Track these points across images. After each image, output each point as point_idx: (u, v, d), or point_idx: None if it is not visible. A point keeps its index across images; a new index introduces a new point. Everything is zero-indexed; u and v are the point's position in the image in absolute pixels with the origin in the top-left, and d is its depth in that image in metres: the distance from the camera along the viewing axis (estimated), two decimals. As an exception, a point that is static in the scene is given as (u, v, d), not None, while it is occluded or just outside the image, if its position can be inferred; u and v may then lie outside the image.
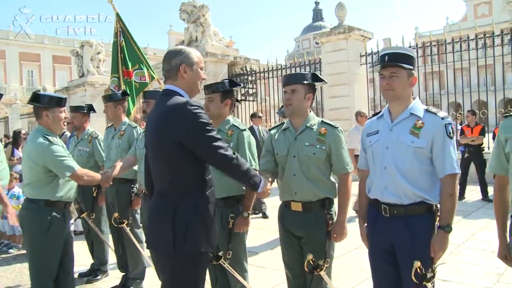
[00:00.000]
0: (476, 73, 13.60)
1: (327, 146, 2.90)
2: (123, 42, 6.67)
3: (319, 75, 3.06)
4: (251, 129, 8.30)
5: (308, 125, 2.96)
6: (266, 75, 14.55)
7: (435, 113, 2.47)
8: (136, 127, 4.62)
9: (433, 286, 2.44)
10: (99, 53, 20.48)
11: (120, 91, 5.29)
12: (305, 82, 2.93)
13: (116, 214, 4.30)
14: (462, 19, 50.29)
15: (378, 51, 12.80)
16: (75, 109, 5.01)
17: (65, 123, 3.67)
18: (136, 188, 4.47)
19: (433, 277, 2.37)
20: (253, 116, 9.05)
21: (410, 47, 11.76)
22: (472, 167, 8.92)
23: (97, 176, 3.67)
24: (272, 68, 14.50)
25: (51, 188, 3.38)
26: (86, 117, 4.99)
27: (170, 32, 50.30)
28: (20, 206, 6.08)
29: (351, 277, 4.46)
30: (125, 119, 4.76)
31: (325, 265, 2.81)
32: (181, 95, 2.43)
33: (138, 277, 4.50)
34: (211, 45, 15.20)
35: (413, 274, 2.34)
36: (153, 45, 56.82)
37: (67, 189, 3.49)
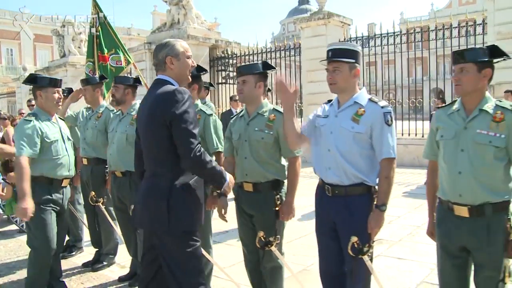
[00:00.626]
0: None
1: (275, 131, 3.11)
2: (99, 27, 6.78)
3: (269, 63, 3.29)
4: (229, 111, 8.49)
5: (260, 111, 3.19)
6: (247, 58, 14.70)
7: (376, 102, 2.70)
8: (113, 110, 4.69)
9: (371, 259, 2.69)
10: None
11: (98, 75, 5.37)
12: (255, 72, 3.17)
13: (92, 193, 4.48)
14: (447, 6, 50.70)
15: (356, 37, 13.08)
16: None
17: (59, 103, 3.82)
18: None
19: (369, 251, 2.62)
20: (231, 99, 9.30)
21: (394, 33, 12.03)
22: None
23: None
24: (253, 51, 14.66)
25: (32, 164, 3.55)
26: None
27: (154, 12, 49.82)
28: None
29: (311, 254, 4.72)
30: (102, 102, 4.89)
31: (275, 242, 3.04)
32: (172, 84, 2.57)
33: (110, 252, 4.73)
34: (192, 27, 15.23)
35: (349, 248, 2.58)
36: (137, 25, 56.07)
37: (50, 167, 3.67)
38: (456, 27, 11.34)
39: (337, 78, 2.69)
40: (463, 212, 2.40)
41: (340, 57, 2.67)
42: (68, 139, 3.92)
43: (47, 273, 3.72)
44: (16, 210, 3.48)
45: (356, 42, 12.45)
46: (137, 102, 4.45)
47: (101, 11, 6.95)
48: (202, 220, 2.65)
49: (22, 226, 6.40)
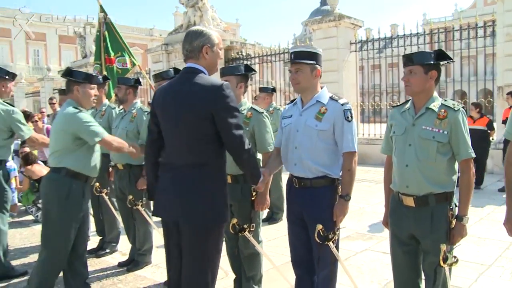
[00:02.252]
0: (484, 62, 13.62)
1: (251, 128, 3.36)
2: (106, 32, 7.16)
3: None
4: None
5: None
6: (261, 59, 15.00)
7: (337, 100, 2.93)
8: (114, 108, 5.05)
9: (336, 246, 2.93)
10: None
11: (101, 76, 5.67)
12: (237, 73, 3.44)
13: (97, 184, 4.82)
14: (471, 6, 49.87)
15: (367, 39, 13.23)
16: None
17: (95, 100, 3.81)
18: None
19: (334, 238, 2.85)
20: (255, 98, 9.57)
21: (417, 33, 12.00)
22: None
23: (125, 144, 3.76)
24: (266, 53, 14.95)
25: (74, 158, 3.46)
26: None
27: (176, 13, 50.24)
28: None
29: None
30: (105, 101, 5.22)
31: (250, 229, 3.29)
32: (204, 73, 2.59)
33: (113, 240, 5.09)
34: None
35: (315, 235, 2.82)
36: (159, 26, 56.82)
37: (90, 163, 3.57)
38: (482, 27, 11.08)
39: (299, 78, 2.93)
40: (410, 202, 2.63)
41: (302, 59, 2.91)
42: None
43: (57, 275, 3.61)
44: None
45: (379, 44, 12.64)
46: (137, 101, 4.80)
47: (107, 14, 7.32)
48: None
49: (37, 216, 6.83)
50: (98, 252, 5.02)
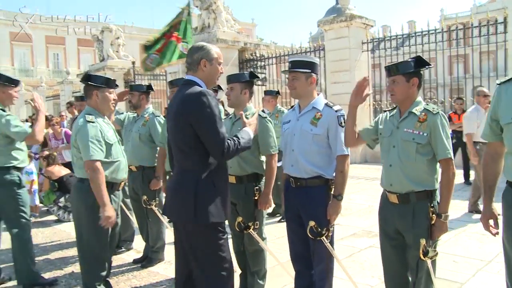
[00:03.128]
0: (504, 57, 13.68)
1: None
2: (185, 19, 8.53)
3: (255, 71, 3.75)
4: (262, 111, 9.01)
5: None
6: (274, 60, 15.20)
7: (331, 107, 3.17)
8: (159, 116, 4.96)
9: (331, 242, 3.14)
10: (118, 38, 21.37)
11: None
12: (242, 80, 3.66)
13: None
14: (490, 0, 49.01)
15: (379, 38, 13.33)
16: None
17: (114, 104, 3.79)
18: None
19: (328, 234, 3.08)
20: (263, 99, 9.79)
21: (435, 30, 12.06)
22: (460, 152, 9.40)
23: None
24: (279, 54, 15.14)
25: None
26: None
27: (193, 15, 50.91)
28: (30, 181, 7.06)
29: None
30: (148, 107, 5.04)
31: (254, 226, 3.52)
32: (199, 85, 2.75)
33: (128, 239, 5.38)
34: (222, 31, 15.81)
35: (308, 230, 3.05)
36: (175, 27, 57.32)
37: (112, 170, 3.56)
38: (502, 22, 10.83)
39: (295, 85, 3.17)
40: (394, 199, 2.83)
41: (297, 67, 3.15)
42: (120, 140, 3.86)
43: (100, 279, 3.62)
44: (102, 218, 3.33)
45: (396, 41, 12.66)
46: (150, 106, 5.03)
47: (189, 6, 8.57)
48: (228, 213, 2.87)
49: (59, 215, 7.16)
50: (115, 250, 5.29)
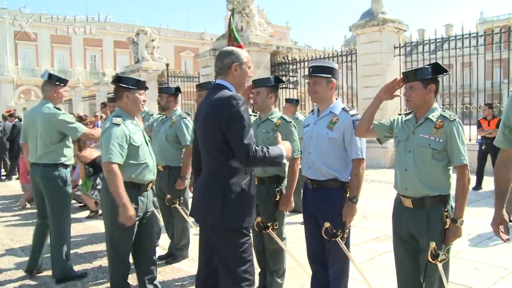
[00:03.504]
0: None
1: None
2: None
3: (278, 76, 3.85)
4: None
5: (269, 117, 3.78)
6: (306, 64, 15.21)
7: (348, 111, 3.23)
8: (186, 118, 5.08)
9: (346, 243, 3.19)
10: (153, 40, 21.86)
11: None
12: (268, 84, 3.77)
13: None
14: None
15: (411, 42, 13.21)
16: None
17: (143, 105, 3.78)
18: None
19: (343, 236, 3.14)
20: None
21: (471, 34, 11.80)
22: (490, 159, 9.23)
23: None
24: (311, 57, 15.14)
25: (122, 169, 3.42)
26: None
27: (226, 17, 51.30)
28: None
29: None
30: (176, 109, 5.18)
31: (273, 226, 3.58)
32: (229, 89, 2.78)
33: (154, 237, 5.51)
34: (254, 35, 16.01)
35: (323, 231, 3.12)
36: (210, 30, 58.06)
37: (139, 172, 3.57)
38: None
39: (317, 89, 3.25)
40: (408, 203, 2.86)
41: (318, 72, 3.23)
42: (149, 141, 3.87)
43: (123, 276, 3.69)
44: (121, 217, 3.34)
45: (429, 46, 12.51)
46: (178, 108, 5.17)
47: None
48: (254, 218, 2.90)
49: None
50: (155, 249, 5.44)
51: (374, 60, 13.08)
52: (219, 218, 2.68)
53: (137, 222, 3.57)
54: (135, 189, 3.53)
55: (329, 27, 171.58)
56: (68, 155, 4.58)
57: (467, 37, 11.87)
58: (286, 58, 16.17)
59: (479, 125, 9.45)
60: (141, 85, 3.71)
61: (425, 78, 2.80)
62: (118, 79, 3.70)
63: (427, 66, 2.85)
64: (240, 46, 8.25)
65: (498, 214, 2.56)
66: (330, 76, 3.23)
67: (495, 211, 2.60)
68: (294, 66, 15.83)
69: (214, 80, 2.96)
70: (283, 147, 2.85)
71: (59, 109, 4.50)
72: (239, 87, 2.87)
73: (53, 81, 4.53)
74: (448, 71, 2.84)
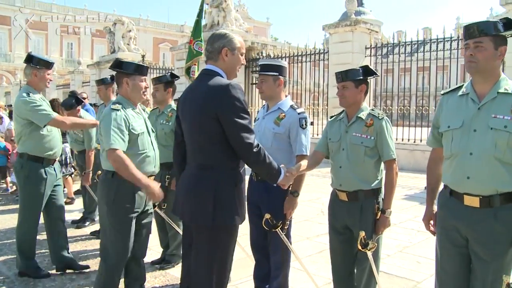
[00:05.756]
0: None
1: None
2: (199, 20, 8.41)
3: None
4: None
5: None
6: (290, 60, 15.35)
7: (295, 109, 3.37)
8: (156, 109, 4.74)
9: (287, 234, 3.34)
10: (130, 31, 21.70)
11: (110, 76, 5.46)
12: (273, 73, 3.38)
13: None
14: (507, 11, 48.34)
15: (382, 43, 13.47)
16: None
17: (145, 93, 3.46)
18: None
19: (283, 227, 3.27)
20: None
21: (445, 38, 12.01)
22: None
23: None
24: (285, 54, 15.32)
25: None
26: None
27: (207, 10, 51.31)
28: None
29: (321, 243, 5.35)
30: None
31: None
32: (221, 76, 2.60)
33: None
34: (230, 30, 16.07)
35: (263, 222, 3.26)
36: (190, 23, 57.78)
37: (137, 162, 3.21)
38: None
39: (263, 88, 3.39)
40: (343, 196, 3.04)
41: (266, 71, 3.38)
42: (152, 131, 3.54)
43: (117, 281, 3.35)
44: (152, 199, 3.18)
45: (411, 47, 12.77)
46: (172, 102, 4.68)
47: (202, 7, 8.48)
48: (245, 215, 2.72)
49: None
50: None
51: (345, 60, 13.28)
52: (210, 216, 2.51)
53: (134, 221, 3.28)
54: (131, 182, 3.12)
55: (311, 25, 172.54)
56: (43, 147, 4.16)
57: (441, 41, 12.17)
58: (260, 54, 16.30)
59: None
60: (142, 70, 3.39)
61: (356, 78, 2.99)
62: (117, 64, 3.36)
63: (358, 68, 3.06)
64: (190, 42, 8.10)
65: (429, 210, 2.73)
66: (277, 74, 3.36)
67: (426, 207, 2.77)
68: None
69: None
70: (283, 172, 2.73)
71: (28, 95, 4.07)
72: (231, 73, 2.68)
73: (34, 64, 4.15)
74: (377, 74, 3.04)
